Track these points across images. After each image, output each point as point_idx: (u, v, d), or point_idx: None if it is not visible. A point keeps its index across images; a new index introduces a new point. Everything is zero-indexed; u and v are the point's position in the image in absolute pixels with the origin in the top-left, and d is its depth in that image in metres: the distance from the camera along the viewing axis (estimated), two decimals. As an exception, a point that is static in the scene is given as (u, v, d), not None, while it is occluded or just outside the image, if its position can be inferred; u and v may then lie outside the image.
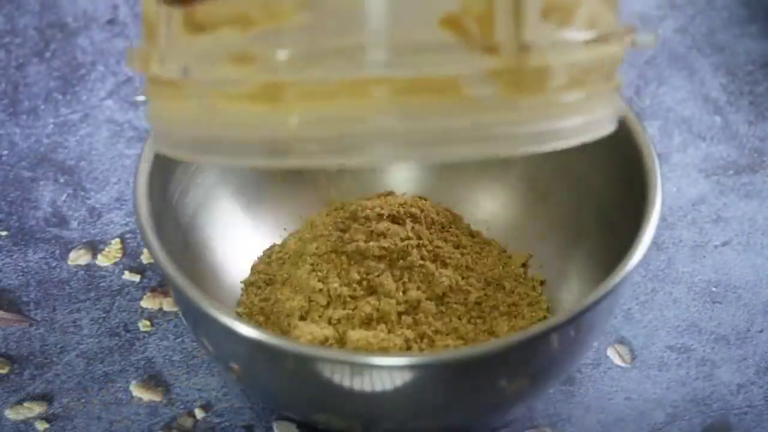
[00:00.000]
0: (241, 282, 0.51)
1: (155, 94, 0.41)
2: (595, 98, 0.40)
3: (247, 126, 0.38)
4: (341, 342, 0.48)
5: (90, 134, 0.59)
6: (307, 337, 0.47)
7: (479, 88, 0.38)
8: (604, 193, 0.50)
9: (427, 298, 0.49)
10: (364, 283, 0.49)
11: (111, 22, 0.64)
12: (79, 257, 0.54)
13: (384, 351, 0.47)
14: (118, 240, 0.55)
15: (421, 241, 0.50)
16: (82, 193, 0.57)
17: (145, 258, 0.54)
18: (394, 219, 0.51)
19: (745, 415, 0.49)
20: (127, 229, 0.55)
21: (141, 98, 0.60)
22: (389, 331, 0.48)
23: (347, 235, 0.50)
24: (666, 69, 0.61)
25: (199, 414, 0.49)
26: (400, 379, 0.44)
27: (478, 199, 0.54)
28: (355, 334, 0.47)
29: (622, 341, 0.52)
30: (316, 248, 0.50)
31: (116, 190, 0.57)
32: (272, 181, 0.53)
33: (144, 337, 0.52)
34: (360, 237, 0.50)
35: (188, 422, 0.49)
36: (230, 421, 0.49)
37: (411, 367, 0.44)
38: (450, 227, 0.52)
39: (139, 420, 0.49)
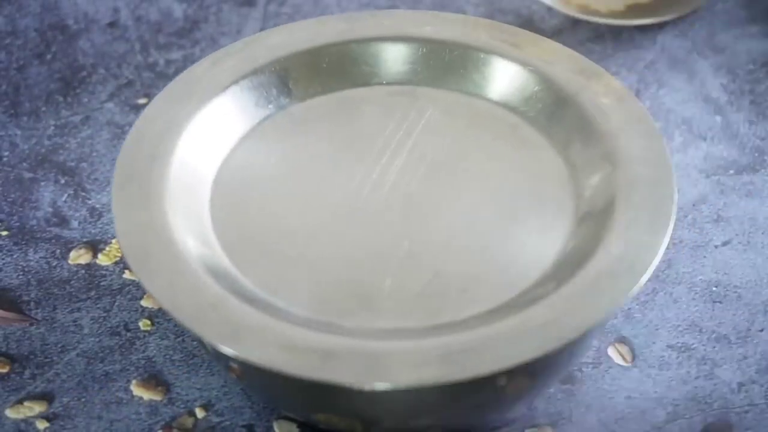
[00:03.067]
0: None
1: None
2: None
3: None
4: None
5: (91, 136, 0.59)
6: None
7: None
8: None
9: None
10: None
11: (112, 24, 0.64)
12: (79, 257, 0.54)
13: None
14: (118, 239, 0.55)
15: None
16: (83, 193, 0.57)
17: (145, 257, 0.54)
18: None
19: (746, 414, 0.49)
20: (128, 228, 0.55)
21: (142, 101, 0.60)
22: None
23: None
24: (666, 72, 0.61)
25: (200, 413, 0.49)
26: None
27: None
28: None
29: (622, 340, 0.52)
30: None
31: (117, 191, 0.57)
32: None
33: (144, 336, 0.52)
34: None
35: (189, 421, 0.49)
36: (230, 420, 0.49)
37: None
38: None
39: (140, 419, 0.49)
